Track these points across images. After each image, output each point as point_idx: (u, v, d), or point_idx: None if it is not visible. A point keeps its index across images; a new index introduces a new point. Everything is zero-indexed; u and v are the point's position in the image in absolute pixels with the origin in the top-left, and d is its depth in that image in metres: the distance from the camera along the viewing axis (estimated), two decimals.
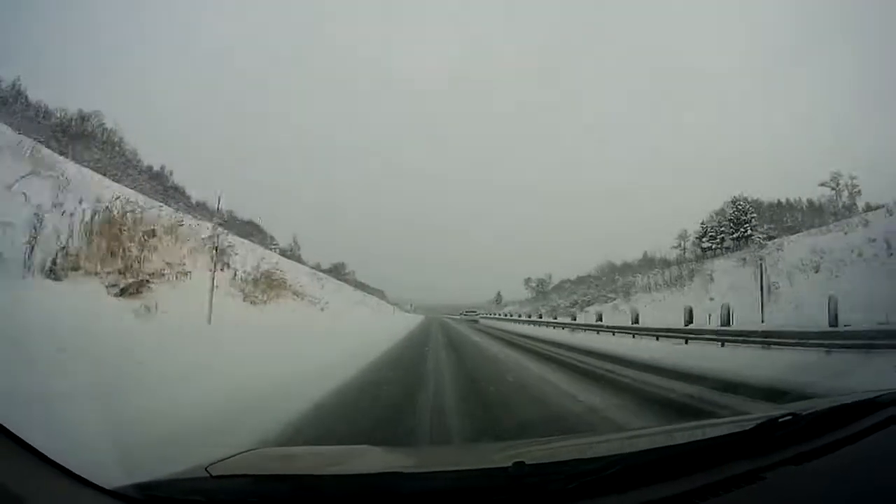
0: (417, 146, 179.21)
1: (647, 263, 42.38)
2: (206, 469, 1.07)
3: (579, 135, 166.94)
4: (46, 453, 0.97)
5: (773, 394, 5.53)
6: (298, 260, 45.14)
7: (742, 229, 35.00)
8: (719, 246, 36.16)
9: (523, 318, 41.93)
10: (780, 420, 1.36)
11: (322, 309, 18.81)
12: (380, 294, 70.80)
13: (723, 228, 36.72)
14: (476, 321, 54.01)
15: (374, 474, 1.22)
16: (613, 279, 43.07)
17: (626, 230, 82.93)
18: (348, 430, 3.87)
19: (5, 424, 0.94)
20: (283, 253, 45.73)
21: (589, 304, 40.62)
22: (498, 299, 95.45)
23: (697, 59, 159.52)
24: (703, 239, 37.72)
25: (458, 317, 72.08)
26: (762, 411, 1.56)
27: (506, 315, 55.23)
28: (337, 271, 61.19)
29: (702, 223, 39.40)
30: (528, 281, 78.01)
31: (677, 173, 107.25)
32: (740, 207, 36.06)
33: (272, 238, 51.38)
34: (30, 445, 0.96)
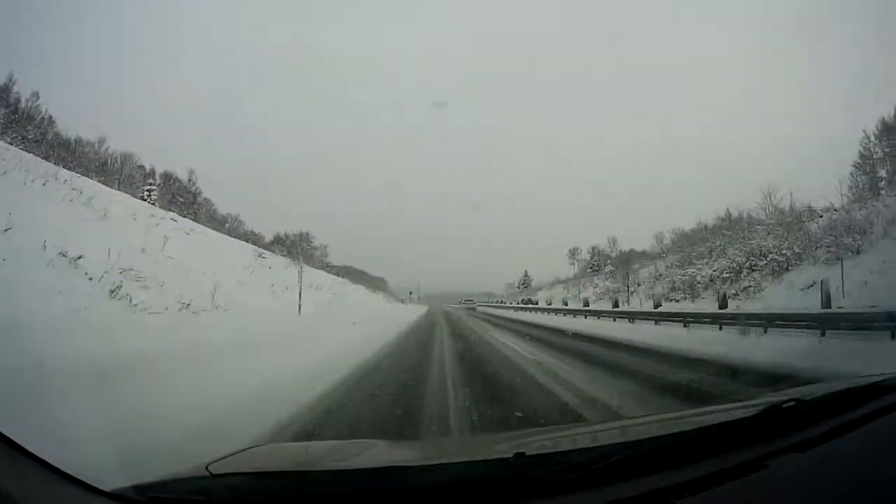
0: (428, 128, 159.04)
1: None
2: (206, 468, 1.03)
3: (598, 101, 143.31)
4: (43, 456, 0.95)
5: None
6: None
7: None
8: None
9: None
10: (783, 406, 1.32)
11: None
12: (379, 282, 62.76)
13: None
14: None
15: (375, 468, 1.23)
16: (798, 226, 22.37)
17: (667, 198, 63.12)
18: None
19: (1, 428, 0.93)
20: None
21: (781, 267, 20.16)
22: (524, 283, 74.04)
23: None
24: None
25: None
26: (766, 397, 1.45)
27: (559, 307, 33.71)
28: (286, 243, 41.18)
29: None
30: (573, 253, 56.92)
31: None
32: None
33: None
34: (26, 449, 0.94)
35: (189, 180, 44.98)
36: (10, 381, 2.87)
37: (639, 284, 32.86)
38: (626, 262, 36.64)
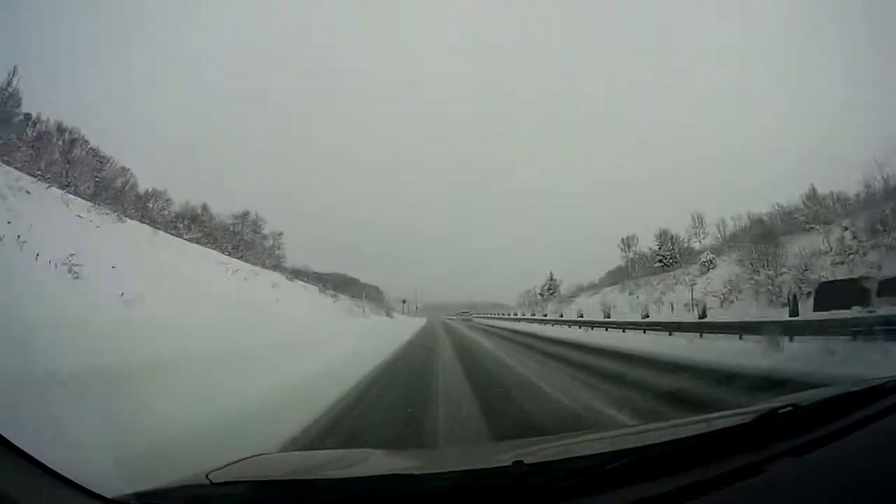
0: (438, 130, 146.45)
1: None
2: (206, 476, 1.03)
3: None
4: (47, 463, 0.95)
5: None
6: None
7: None
8: None
9: None
10: (780, 411, 1.31)
11: None
12: (372, 291, 54.65)
13: None
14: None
15: (374, 477, 1.23)
16: None
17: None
18: None
19: (5, 435, 0.93)
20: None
21: None
22: (550, 288, 59.85)
23: None
24: None
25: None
26: (764, 403, 1.47)
27: None
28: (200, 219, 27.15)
29: None
30: (627, 243, 43.38)
31: None
32: None
33: None
34: (30, 455, 0.94)
35: (8, 86, 22.32)
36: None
37: (806, 269, 19.35)
38: (768, 235, 22.95)
